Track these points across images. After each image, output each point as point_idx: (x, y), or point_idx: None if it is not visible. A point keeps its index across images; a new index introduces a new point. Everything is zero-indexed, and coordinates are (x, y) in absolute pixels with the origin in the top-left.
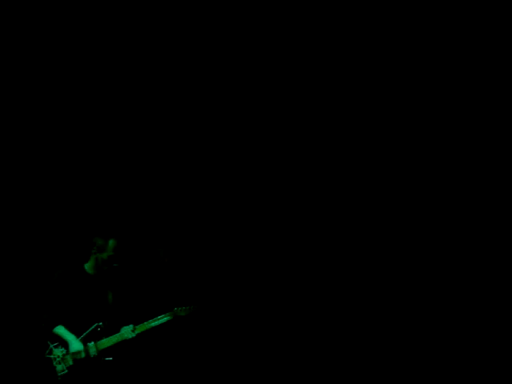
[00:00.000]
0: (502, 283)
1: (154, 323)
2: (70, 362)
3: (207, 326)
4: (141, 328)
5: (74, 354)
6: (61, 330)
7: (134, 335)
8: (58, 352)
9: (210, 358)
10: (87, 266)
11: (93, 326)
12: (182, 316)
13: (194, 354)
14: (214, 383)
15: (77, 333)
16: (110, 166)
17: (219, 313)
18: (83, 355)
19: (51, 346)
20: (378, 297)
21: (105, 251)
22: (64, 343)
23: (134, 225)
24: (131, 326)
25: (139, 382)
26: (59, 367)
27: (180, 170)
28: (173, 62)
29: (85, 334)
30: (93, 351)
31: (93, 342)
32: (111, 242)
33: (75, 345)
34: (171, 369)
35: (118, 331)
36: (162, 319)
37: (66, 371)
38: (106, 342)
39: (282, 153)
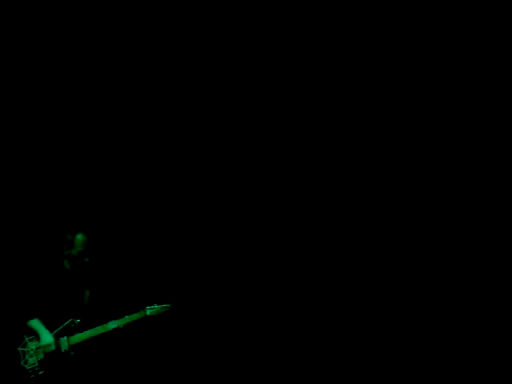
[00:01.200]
0: (501, 283)
1: (127, 321)
2: (41, 356)
3: (182, 324)
4: (122, 321)
5: (44, 347)
6: (34, 323)
7: (118, 324)
8: (32, 345)
9: (182, 355)
10: (65, 262)
11: (67, 322)
12: (153, 315)
13: (166, 352)
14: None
15: (52, 327)
16: (81, 161)
17: (196, 311)
18: (53, 348)
19: (26, 339)
20: (378, 297)
21: (73, 247)
22: (38, 336)
23: (104, 220)
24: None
25: (112, 377)
26: (31, 360)
27: (151, 164)
28: (173, 61)
29: (59, 328)
30: (64, 346)
31: (65, 337)
32: (78, 237)
33: (46, 338)
34: (143, 366)
35: (93, 327)
36: (134, 317)
37: (37, 364)
38: (79, 337)
39: (271, 150)
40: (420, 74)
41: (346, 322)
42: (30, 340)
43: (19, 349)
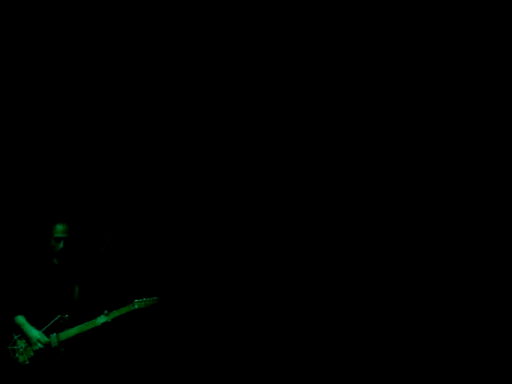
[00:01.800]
0: (502, 283)
1: (117, 313)
2: (31, 353)
3: (170, 317)
4: (113, 314)
5: (33, 344)
6: (20, 321)
7: (107, 319)
8: (21, 343)
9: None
10: (53, 258)
11: (56, 318)
12: (141, 308)
13: (156, 346)
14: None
15: (41, 324)
16: (70, 159)
17: (184, 304)
18: (41, 345)
19: (15, 337)
20: (378, 297)
21: (52, 235)
22: (24, 334)
23: (91, 213)
24: (105, 311)
25: (102, 373)
26: (21, 358)
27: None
28: (173, 62)
29: (48, 325)
30: (54, 342)
31: (55, 333)
32: (57, 225)
33: (33, 334)
34: (134, 360)
35: (82, 323)
36: (122, 310)
37: (27, 362)
38: (69, 333)
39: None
40: (420, 74)
41: (346, 322)
42: (19, 338)
43: (9, 347)
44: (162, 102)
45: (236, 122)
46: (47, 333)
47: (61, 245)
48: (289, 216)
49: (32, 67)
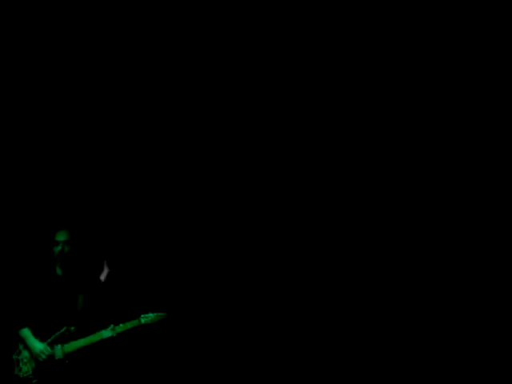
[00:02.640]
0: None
1: (123, 328)
2: (34, 365)
3: (177, 334)
4: (121, 328)
5: (37, 355)
6: (25, 333)
7: (112, 334)
8: (26, 353)
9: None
10: (57, 267)
11: (62, 330)
12: (148, 324)
13: (161, 361)
14: None
15: (46, 335)
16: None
17: (191, 321)
18: (44, 357)
19: (20, 346)
20: (377, 297)
21: (54, 245)
22: (27, 346)
23: (97, 223)
24: (111, 325)
25: None
26: (24, 368)
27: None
28: (173, 61)
29: (53, 336)
30: (58, 354)
31: (59, 345)
32: (59, 234)
33: (36, 346)
34: (138, 374)
35: (87, 335)
36: (129, 325)
37: (30, 372)
38: (73, 345)
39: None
40: (419, 75)
41: (346, 322)
42: (24, 348)
43: (13, 357)
44: (160, 109)
45: (236, 122)
46: (52, 344)
47: (59, 247)
48: (290, 218)
49: (32, 67)
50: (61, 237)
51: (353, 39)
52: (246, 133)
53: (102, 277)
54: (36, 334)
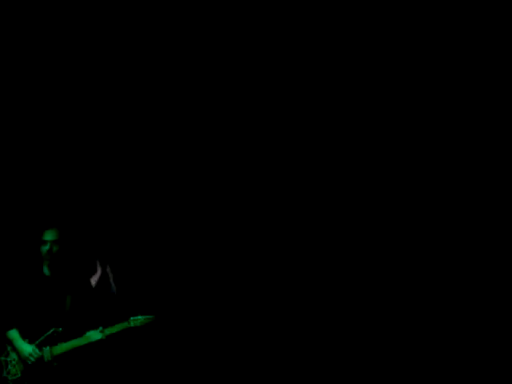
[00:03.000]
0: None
1: (112, 330)
2: (22, 367)
3: (166, 336)
4: (110, 330)
5: (25, 358)
6: (12, 335)
7: (101, 336)
8: (14, 355)
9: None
10: (44, 267)
11: (50, 331)
12: (137, 327)
13: (149, 364)
14: None
15: (34, 336)
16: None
17: (180, 323)
18: (33, 359)
19: (9, 348)
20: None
21: (42, 244)
22: (15, 348)
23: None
24: (100, 327)
25: None
26: (13, 370)
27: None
28: (173, 62)
29: (41, 338)
30: (47, 356)
31: (48, 347)
32: (48, 233)
33: (26, 348)
34: (127, 376)
35: (76, 337)
36: (118, 327)
37: (19, 375)
38: (62, 347)
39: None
40: (418, 75)
41: (346, 322)
42: (12, 350)
43: (1, 358)
44: (153, 107)
45: (235, 123)
46: (40, 346)
47: (47, 247)
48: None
49: (32, 67)
50: (49, 236)
51: (351, 39)
52: (245, 133)
53: (95, 278)
54: (24, 336)
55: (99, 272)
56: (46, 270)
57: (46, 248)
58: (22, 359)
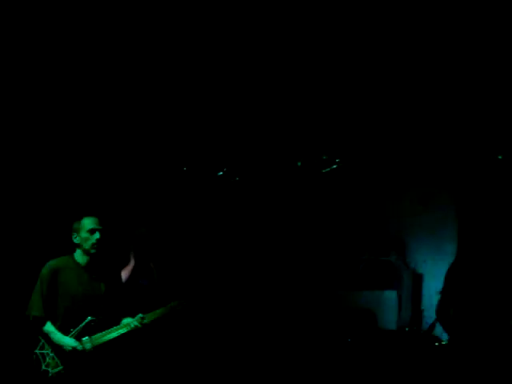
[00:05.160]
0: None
1: (154, 316)
2: (63, 359)
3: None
4: (149, 317)
5: (69, 350)
6: (49, 329)
7: (144, 321)
8: (50, 347)
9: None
10: (77, 257)
11: (86, 320)
12: (178, 310)
13: (190, 351)
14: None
15: (69, 327)
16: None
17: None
18: (70, 349)
19: (42, 340)
20: None
21: (81, 230)
22: (51, 341)
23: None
24: (140, 314)
25: (136, 379)
26: (53, 363)
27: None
28: (173, 62)
29: (78, 328)
30: (88, 346)
31: (87, 337)
32: (85, 219)
33: (69, 341)
34: (169, 366)
35: (112, 326)
36: (159, 312)
37: (61, 367)
38: (103, 336)
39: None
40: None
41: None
42: (47, 342)
43: (37, 351)
44: (174, 100)
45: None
46: (78, 337)
47: (97, 235)
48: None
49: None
50: (95, 224)
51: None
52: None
53: (126, 271)
54: (59, 327)
55: (132, 264)
56: (79, 259)
57: (95, 236)
58: (61, 351)
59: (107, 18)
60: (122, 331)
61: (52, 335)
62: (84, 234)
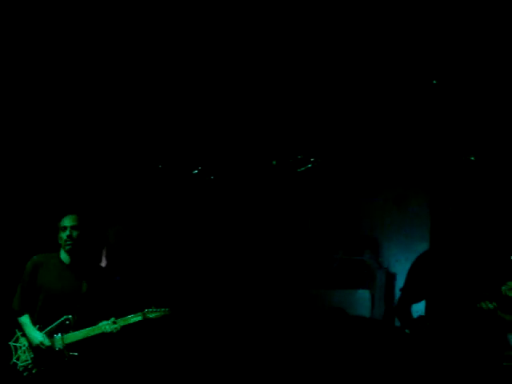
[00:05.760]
0: None
1: (126, 322)
2: (33, 354)
3: (180, 330)
4: (121, 322)
5: (36, 344)
6: (24, 320)
7: (115, 327)
8: (24, 341)
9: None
10: (61, 254)
11: (61, 319)
12: (151, 319)
13: (162, 357)
14: None
15: (45, 323)
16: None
17: (195, 317)
18: (43, 347)
19: (18, 333)
20: None
21: (61, 230)
22: (25, 334)
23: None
24: (112, 318)
25: (104, 379)
26: (23, 357)
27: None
28: (173, 62)
29: (52, 325)
30: (58, 344)
31: (60, 335)
32: (67, 218)
33: (36, 335)
34: (138, 368)
35: (88, 326)
36: (132, 319)
37: (30, 361)
38: (74, 336)
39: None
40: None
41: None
42: (22, 335)
43: (11, 343)
44: (171, 100)
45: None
46: (51, 333)
47: (67, 232)
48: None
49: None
50: (68, 222)
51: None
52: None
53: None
54: (35, 322)
55: (103, 264)
56: (63, 257)
57: (65, 233)
58: (33, 346)
59: (107, 18)
60: (94, 332)
61: (24, 327)
62: (60, 232)
